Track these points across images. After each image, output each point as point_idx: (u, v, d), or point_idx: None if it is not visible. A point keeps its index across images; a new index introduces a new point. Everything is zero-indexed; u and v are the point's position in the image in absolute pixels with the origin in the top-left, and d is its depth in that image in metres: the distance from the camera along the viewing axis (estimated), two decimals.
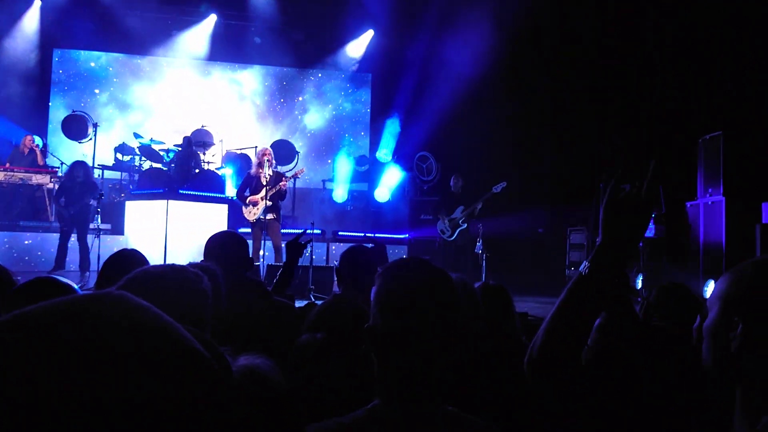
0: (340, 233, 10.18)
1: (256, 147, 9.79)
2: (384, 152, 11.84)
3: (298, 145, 11.91)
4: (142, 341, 0.49)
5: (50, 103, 11.84)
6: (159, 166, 10.07)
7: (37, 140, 9.97)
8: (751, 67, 8.16)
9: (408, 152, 11.70)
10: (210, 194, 8.55)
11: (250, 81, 12.57)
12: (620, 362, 1.85)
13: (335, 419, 1.15)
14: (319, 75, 12.90)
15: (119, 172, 10.65)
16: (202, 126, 10.94)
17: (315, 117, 12.62)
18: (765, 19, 7.83)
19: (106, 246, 7.40)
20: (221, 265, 2.05)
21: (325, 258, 9.54)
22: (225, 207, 8.61)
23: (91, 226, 7.91)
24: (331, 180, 11.73)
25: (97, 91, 11.94)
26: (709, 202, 7.72)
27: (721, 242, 7.34)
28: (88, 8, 11.04)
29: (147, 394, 0.47)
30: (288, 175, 8.05)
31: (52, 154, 10.64)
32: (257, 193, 7.56)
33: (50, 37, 11.52)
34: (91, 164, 9.40)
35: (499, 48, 10.29)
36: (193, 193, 8.28)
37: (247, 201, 7.60)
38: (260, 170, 7.61)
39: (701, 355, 1.08)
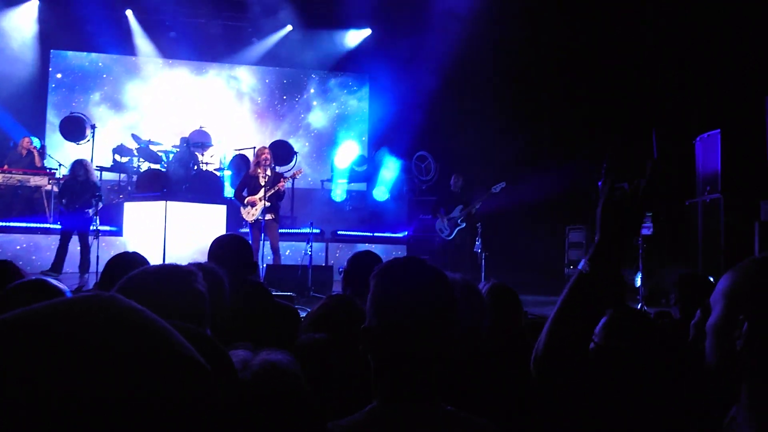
0: (339, 233, 10.18)
1: (254, 147, 9.77)
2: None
3: (298, 145, 11.90)
4: (130, 343, 0.49)
5: (48, 105, 11.83)
6: (157, 167, 10.05)
7: (35, 141, 9.89)
8: (749, 65, 8.17)
9: (406, 150, 11.65)
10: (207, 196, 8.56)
11: (248, 79, 12.58)
12: (622, 361, 1.86)
13: (334, 422, 1.14)
14: (320, 75, 12.89)
15: (117, 174, 10.63)
16: (200, 127, 10.93)
17: (317, 116, 12.62)
18: (762, 16, 7.84)
19: (105, 248, 7.35)
20: (225, 267, 2.06)
21: (324, 258, 9.54)
22: (224, 208, 8.60)
23: (91, 227, 7.87)
24: (330, 180, 11.69)
25: (96, 94, 11.92)
26: (707, 200, 7.73)
27: (720, 240, 7.35)
28: (85, 9, 11.01)
29: (133, 395, 0.47)
30: (287, 175, 8.01)
31: (50, 155, 10.61)
32: (255, 194, 7.47)
33: (48, 38, 11.50)
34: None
35: (499, 48, 10.29)
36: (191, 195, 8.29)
37: (246, 201, 7.50)
38: (258, 170, 7.52)
39: (699, 351, 1.08)
